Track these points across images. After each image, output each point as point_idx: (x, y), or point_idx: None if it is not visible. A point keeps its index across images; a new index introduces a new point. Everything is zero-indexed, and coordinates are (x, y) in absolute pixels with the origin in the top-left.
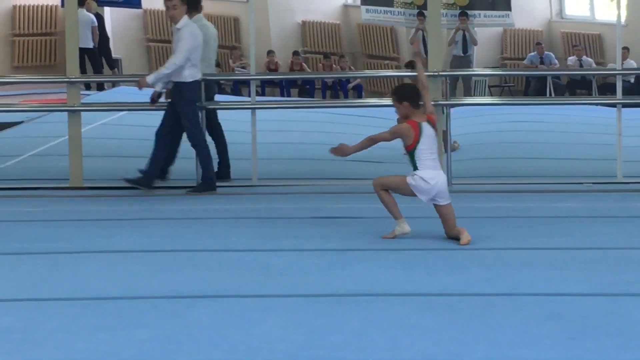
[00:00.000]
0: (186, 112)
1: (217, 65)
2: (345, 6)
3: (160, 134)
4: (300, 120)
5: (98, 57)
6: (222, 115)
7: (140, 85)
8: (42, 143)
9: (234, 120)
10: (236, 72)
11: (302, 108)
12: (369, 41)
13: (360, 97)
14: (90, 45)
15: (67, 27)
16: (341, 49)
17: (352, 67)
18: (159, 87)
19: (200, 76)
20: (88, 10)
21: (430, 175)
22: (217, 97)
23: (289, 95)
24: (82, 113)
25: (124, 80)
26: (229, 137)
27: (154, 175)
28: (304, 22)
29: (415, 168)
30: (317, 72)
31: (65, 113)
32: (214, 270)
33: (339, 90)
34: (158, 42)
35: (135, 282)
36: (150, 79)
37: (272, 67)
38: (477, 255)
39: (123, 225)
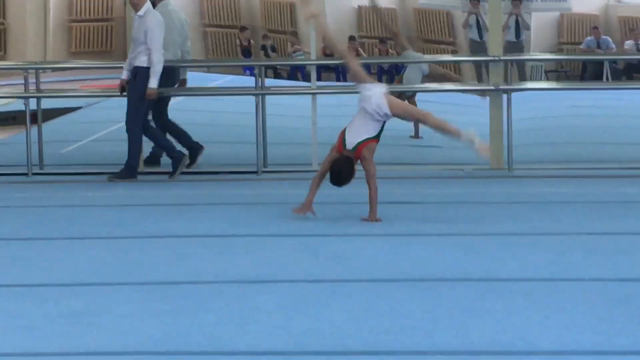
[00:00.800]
0: (134, 96)
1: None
2: None
3: (144, 126)
4: (353, 105)
5: None
6: (282, 100)
7: (151, 97)
8: (102, 128)
9: (292, 105)
10: (293, 57)
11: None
12: (424, 25)
13: None
14: None
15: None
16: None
17: None
18: (124, 75)
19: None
20: None
21: None
22: (275, 82)
23: (344, 81)
24: None
25: (181, 66)
26: (287, 122)
27: (136, 166)
28: (359, 7)
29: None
30: (373, 56)
31: (124, 99)
32: (278, 255)
33: (395, 75)
34: (215, 27)
35: (200, 266)
36: (153, 84)
37: (327, 53)
38: (542, 240)
39: (185, 210)
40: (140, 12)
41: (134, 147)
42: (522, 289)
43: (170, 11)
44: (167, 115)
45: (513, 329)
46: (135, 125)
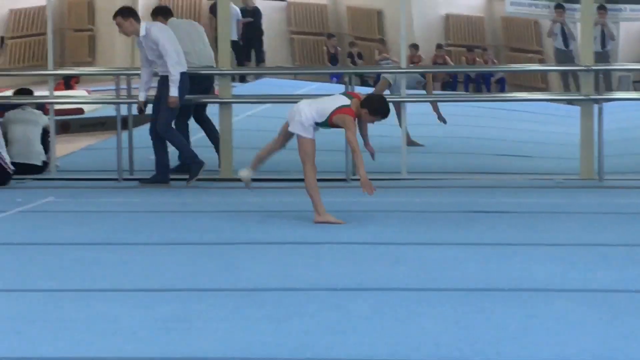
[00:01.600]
0: (165, 103)
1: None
2: None
3: (154, 132)
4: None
5: (241, 50)
6: None
7: (173, 105)
8: (192, 134)
9: None
10: (380, 65)
11: (448, 102)
12: (512, 34)
13: (503, 90)
14: (235, 37)
15: (220, 21)
16: (484, 42)
17: (495, 60)
18: (142, 97)
19: (184, 68)
20: (246, 4)
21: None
22: (363, 90)
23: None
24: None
25: (268, 73)
26: (375, 129)
27: (167, 171)
28: (447, 15)
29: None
30: (461, 65)
31: (213, 105)
32: (370, 263)
33: (481, 84)
34: (301, 34)
35: (293, 273)
36: (174, 93)
37: (414, 61)
38: (635, 252)
39: (277, 216)
40: (142, 33)
41: (182, 146)
42: (618, 301)
43: (178, 23)
44: (209, 122)
45: (611, 341)
46: (166, 131)
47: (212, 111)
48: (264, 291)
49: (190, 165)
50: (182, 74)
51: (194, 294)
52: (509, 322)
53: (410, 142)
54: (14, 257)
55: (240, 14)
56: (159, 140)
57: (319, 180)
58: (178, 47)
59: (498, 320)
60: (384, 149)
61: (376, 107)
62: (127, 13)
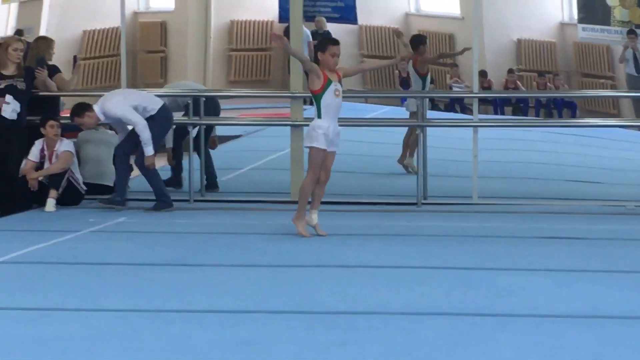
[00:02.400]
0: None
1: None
2: (562, 24)
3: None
4: (514, 139)
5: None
6: (441, 132)
7: (152, 166)
8: (261, 157)
9: (452, 137)
10: (453, 89)
11: (519, 127)
12: (584, 60)
13: (574, 116)
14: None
15: (292, 42)
16: (556, 67)
17: (566, 85)
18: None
19: (158, 105)
20: (318, 27)
21: (326, 124)
22: (435, 115)
23: (502, 113)
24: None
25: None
26: (447, 154)
27: (123, 193)
28: (519, 40)
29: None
30: (532, 90)
31: (283, 127)
32: (442, 287)
33: (552, 109)
34: (373, 57)
35: (363, 297)
36: (149, 153)
37: (485, 85)
38: None
39: (346, 240)
40: (102, 118)
41: (119, 179)
42: None
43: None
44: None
45: None
46: (119, 157)
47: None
48: (335, 314)
49: (114, 200)
50: (162, 110)
51: (265, 315)
52: (585, 349)
53: (404, 165)
54: (87, 276)
55: (310, 36)
56: (119, 162)
57: (389, 204)
58: (138, 101)
59: (574, 347)
60: (456, 174)
61: (320, 44)
62: (79, 111)
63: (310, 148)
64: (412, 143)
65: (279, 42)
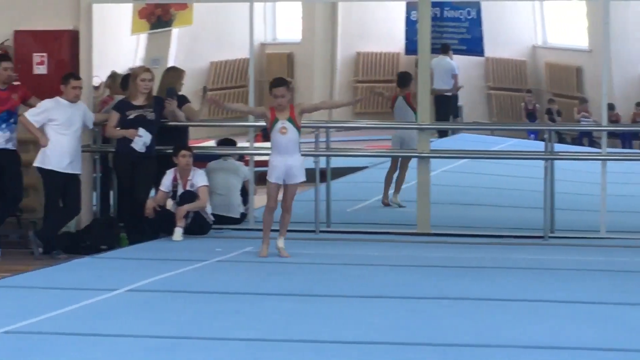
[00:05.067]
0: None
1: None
2: None
3: None
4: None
5: (452, 105)
6: (568, 165)
7: None
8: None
9: (579, 170)
10: (581, 122)
11: None
12: None
13: None
14: (449, 92)
15: (420, 75)
16: None
17: None
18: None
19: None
20: (450, 58)
21: (276, 159)
22: (562, 148)
23: (630, 147)
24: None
25: (466, 128)
26: (574, 187)
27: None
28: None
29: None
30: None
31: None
32: (570, 321)
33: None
34: (499, 90)
35: (490, 330)
36: None
37: (612, 119)
38: None
39: (473, 272)
40: None
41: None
42: None
43: None
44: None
45: None
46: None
47: None
48: (462, 347)
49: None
50: None
51: (392, 347)
52: None
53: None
54: (214, 306)
55: (455, 68)
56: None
57: (516, 237)
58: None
59: None
60: (583, 207)
61: (270, 87)
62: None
63: (267, 181)
64: (399, 181)
65: (216, 105)
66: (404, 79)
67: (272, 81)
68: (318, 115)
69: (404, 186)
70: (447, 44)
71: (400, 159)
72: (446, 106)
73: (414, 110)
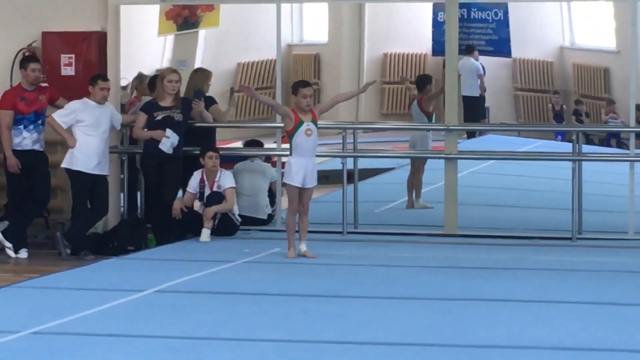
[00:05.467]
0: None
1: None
2: None
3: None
4: None
5: (480, 106)
6: (596, 167)
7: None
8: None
9: (607, 172)
10: (609, 123)
11: None
12: None
13: None
14: (477, 93)
15: (447, 75)
16: None
17: None
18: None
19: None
20: (475, 59)
21: (298, 162)
22: (589, 149)
23: None
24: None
25: (494, 129)
26: (602, 189)
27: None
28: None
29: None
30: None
31: (437, 161)
32: (597, 323)
33: None
34: (526, 91)
35: (517, 331)
36: None
37: (638, 121)
38: None
39: (502, 273)
40: None
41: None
42: None
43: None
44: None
45: None
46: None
47: None
48: (490, 348)
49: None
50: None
51: (419, 348)
52: None
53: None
54: (241, 306)
55: (481, 69)
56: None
57: (544, 238)
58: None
59: None
60: (611, 209)
61: (293, 87)
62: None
63: (286, 184)
64: (417, 184)
65: (247, 92)
66: (420, 82)
67: (298, 82)
68: (345, 116)
69: (431, 187)
70: (471, 44)
71: (415, 162)
72: (474, 108)
73: (426, 113)
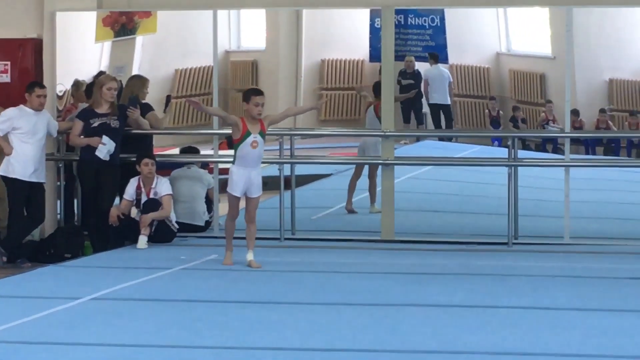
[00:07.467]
0: None
1: None
2: None
3: None
4: (605, 179)
5: (452, 114)
6: (531, 172)
7: None
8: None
9: (542, 177)
10: (547, 128)
11: (613, 167)
12: None
13: None
14: (448, 101)
15: (383, 83)
16: None
17: None
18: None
19: None
20: (407, 67)
21: (240, 172)
22: (525, 154)
23: (594, 154)
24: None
25: (430, 135)
26: (538, 194)
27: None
28: (610, 80)
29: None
30: (624, 130)
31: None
32: (532, 328)
33: None
34: (463, 97)
35: (452, 336)
36: None
37: (576, 125)
38: None
39: (438, 279)
40: None
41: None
42: None
43: None
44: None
45: None
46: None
47: None
48: (425, 353)
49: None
50: None
51: (356, 354)
52: None
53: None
54: (178, 314)
55: (450, 77)
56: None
57: (480, 243)
58: None
59: None
60: (547, 214)
61: (245, 95)
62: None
63: (228, 193)
64: (372, 189)
65: (195, 106)
66: (377, 89)
67: (251, 89)
68: (282, 123)
69: (366, 194)
70: (434, 52)
71: (368, 168)
72: (447, 114)
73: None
